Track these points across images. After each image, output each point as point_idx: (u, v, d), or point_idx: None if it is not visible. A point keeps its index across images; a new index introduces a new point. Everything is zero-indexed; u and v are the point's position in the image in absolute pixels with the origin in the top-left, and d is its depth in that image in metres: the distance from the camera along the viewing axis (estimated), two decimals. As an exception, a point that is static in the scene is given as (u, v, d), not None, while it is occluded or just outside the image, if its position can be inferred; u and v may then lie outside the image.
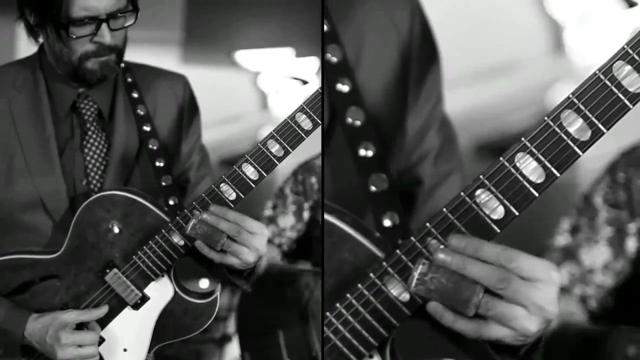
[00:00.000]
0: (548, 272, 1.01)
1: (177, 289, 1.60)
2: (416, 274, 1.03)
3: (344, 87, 1.23)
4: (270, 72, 2.85)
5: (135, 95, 1.74)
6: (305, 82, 2.81)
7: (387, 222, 1.15)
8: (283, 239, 2.57)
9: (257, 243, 1.50)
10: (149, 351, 1.63)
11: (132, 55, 1.81)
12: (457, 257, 1.02)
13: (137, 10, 1.64)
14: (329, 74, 1.23)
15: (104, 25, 1.59)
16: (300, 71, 2.80)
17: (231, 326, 2.73)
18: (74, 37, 1.59)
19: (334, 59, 1.23)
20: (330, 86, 1.23)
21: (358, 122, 1.21)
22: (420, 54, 1.30)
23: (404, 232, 1.14)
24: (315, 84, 2.82)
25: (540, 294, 1.00)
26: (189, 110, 1.80)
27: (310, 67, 2.80)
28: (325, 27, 1.25)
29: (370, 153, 1.19)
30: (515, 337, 1.02)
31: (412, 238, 1.08)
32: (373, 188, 1.17)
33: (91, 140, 1.69)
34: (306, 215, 2.56)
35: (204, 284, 2.53)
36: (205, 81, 2.14)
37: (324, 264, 1.13)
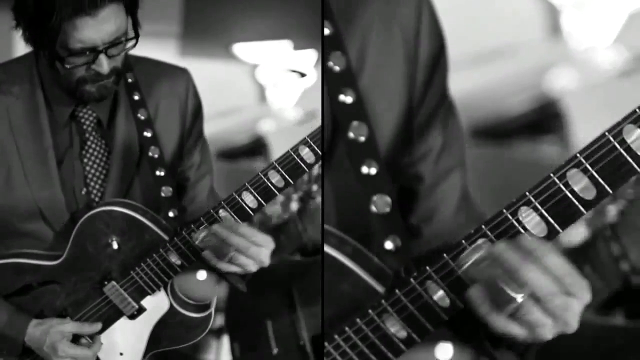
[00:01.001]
0: (583, 290, 1.02)
1: (172, 302, 1.64)
2: (473, 258, 1.04)
3: (347, 99, 1.20)
4: (268, 64, 2.85)
5: (136, 97, 1.72)
6: (303, 75, 2.82)
7: (388, 245, 1.15)
8: (269, 225, 2.60)
9: (262, 256, 1.53)
10: (144, 356, 1.67)
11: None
12: (516, 257, 1.00)
13: (137, 36, 1.60)
14: (331, 83, 1.20)
15: (101, 55, 1.54)
16: (298, 64, 2.81)
17: (228, 317, 2.76)
18: (69, 67, 1.55)
19: (337, 68, 1.20)
20: (332, 97, 1.19)
21: (362, 138, 1.19)
22: (427, 52, 1.27)
23: (406, 256, 1.14)
24: (313, 76, 2.83)
25: (572, 310, 1.02)
26: (192, 108, 1.79)
27: (308, 59, 2.81)
28: (327, 31, 1.21)
29: (373, 171, 1.18)
30: (527, 339, 1.04)
31: (412, 280, 1.09)
32: (374, 209, 1.17)
33: (90, 150, 1.69)
34: (294, 205, 2.59)
35: (202, 275, 2.57)
36: (203, 74, 2.14)
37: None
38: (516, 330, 1.03)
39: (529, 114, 2.22)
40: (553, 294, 1.00)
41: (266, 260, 1.54)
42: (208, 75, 2.58)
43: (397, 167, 1.28)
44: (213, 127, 1.95)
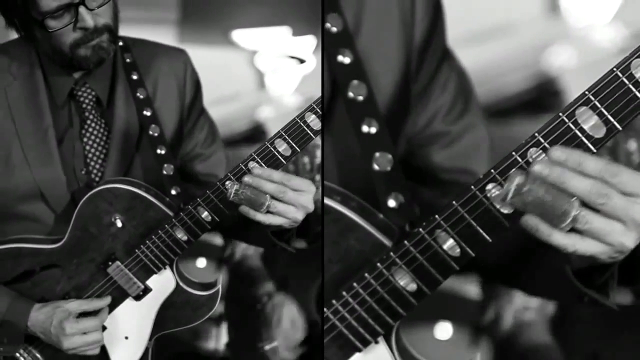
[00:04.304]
0: None
1: (179, 281, 1.61)
2: (513, 186, 0.98)
3: (345, 59, 1.20)
4: (267, 51, 2.82)
5: (134, 77, 1.70)
6: (302, 61, 2.80)
7: (391, 203, 1.15)
8: None
9: (303, 201, 1.44)
10: (150, 339, 1.65)
11: (128, 35, 1.79)
12: (556, 169, 0.98)
13: None
14: (329, 44, 1.20)
15: (81, 9, 1.52)
16: (297, 50, 2.78)
17: (229, 304, 2.75)
18: (52, 30, 1.53)
19: (334, 29, 1.20)
20: (331, 58, 1.20)
21: (360, 97, 1.19)
22: (424, 14, 1.28)
23: (409, 213, 1.14)
24: (312, 62, 2.80)
25: (637, 208, 0.97)
26: (190, 86, 1.78)
27: (307, 45, 2.78)
28: None
29: (373, 130, 1.18)
30: (609, 254, 1.00)
31: (421, 230, 1.08)
32: (376, 167, 1.16)
33: (90, 129, 1.67)
34: None
35: (201, 263, 2.55)
36: (202, 60, 2.13)
37: (325, 249, 1.14)
38: (589, 246, 0.99)
39: (528, 92, 2.21)
40: (603, 196, 0.96)
41: (309, 205, 1.45)
42: (207, 61, 2.55)
43: (402, 129, 1.29)
44: (212, 114, 1.94)
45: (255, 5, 2.75)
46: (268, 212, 1.43)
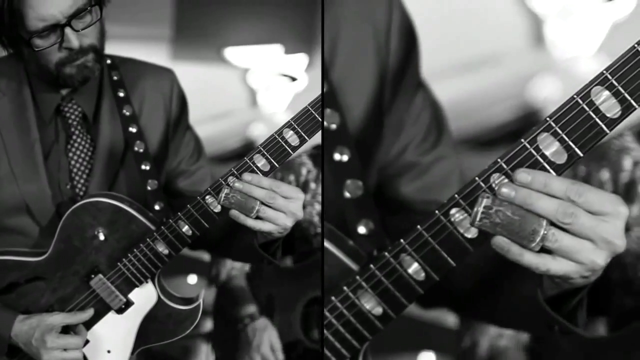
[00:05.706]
0: (616, 205, 0.99)
1: (160, 295, 1.62)
2: (481, 208, 1.00)
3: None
4: (259, 69, 2.85)
5: (121, 94, 1.73)
6: (294, 79, 2.82)
7: (361, 230, 1.17)
8: None
9: (293, 207, 1.44)
10: (132, 353, 1.66)
11: (121, 52, 1.81)
12: (522, 191, 0.99)
13: (101, 3, 1.59)
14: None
15: (67, 30, 1.55)
16: (290, 68, 2.81)
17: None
18: (38, 49, 1.57)
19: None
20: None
21: (333, 126, 1.22)
22: (399, 45, 1.30)
23: (379, 239, 1.16)
24: (304, 80, 2.83)
25: (608, 227, 0.98)
26: (176, 106, 1.80)
27: (299, 64, 2.81)
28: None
29: (345, 158, 1.21)
30: (581, 273, 1.00)
31: (386, 253, 1.10)
32: (347, 194, 1.19)
33: (76, 144, 1.70)
34: None
35: (192, 279, 2.56)
36: (195, 78, 2.15)
37: (323, 263, 1.16)
38: (560, 265, 1.00)
39: (512, 123, 2.23)
40: (570, 215, 0.98)
41: (298, 212, 1.45)
42: (199, 79, 2.58)
43: (374, 158, 1.31)
44: (204, 131, 1.96)
45: (248, 23, 2.78)
46: (258, 217, 1.44)
